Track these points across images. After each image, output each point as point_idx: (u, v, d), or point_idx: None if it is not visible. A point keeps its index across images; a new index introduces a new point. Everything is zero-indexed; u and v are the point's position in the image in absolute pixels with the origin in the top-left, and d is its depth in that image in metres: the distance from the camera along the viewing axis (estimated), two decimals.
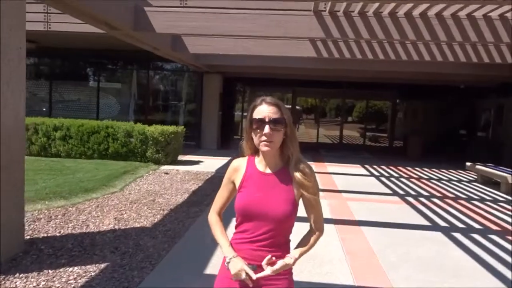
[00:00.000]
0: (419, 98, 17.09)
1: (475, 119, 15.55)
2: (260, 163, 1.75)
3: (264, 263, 1.63)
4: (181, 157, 11.04)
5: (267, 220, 1.65)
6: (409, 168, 11.37)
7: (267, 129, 1.62)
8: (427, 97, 16.68)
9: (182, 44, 8.67)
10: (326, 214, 6.11)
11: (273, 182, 1.70)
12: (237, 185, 1.76)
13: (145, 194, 6.78)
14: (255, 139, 1.69)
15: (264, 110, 1.65)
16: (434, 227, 5.76)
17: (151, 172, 8.78)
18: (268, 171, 1.72)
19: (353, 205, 6.71)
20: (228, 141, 14.95)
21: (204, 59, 10.89)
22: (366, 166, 11.41)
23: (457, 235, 5.35)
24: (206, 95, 13.95)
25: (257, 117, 1.65)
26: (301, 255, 1.72)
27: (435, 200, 7.45)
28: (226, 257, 1.70)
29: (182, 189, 7.35)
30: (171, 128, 9.96)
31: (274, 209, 1.65)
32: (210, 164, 10.39)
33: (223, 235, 1.78)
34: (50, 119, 10.41)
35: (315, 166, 10.98)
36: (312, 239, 1.77)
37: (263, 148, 1.65)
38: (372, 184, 8.83)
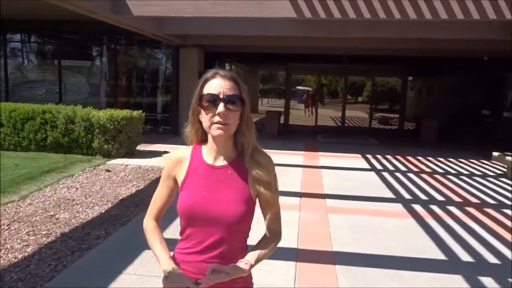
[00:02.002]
0: (434, 74, 14.86)
1: (501, 97, 13.27)
2: (208, 154, 1.40)
3: (208, 272, 1.30)
4: (144, 147, 9.21)
5: (218, 225, 1.34)
6: (420, 158, 9.30)
7: (221, 107, 1.28)
8: (444, 72, 14.41)
9: (125, 6, 6.73)
10: (293, 238, 4.19)
11: (224, 177, 1.37)
12: (179, 182, 1.42)
13: (50, 206, 4.95)
14: (205, 121, 1.33)
15: (218, 84, 1.32)
16: (456, 264, 3.80)
17: (88, 169, 6.95)
18: (219, 163, 1.39)
19: (335, 221, 4.77)
20: None
21: (168, 27, 8.93)
22: (368, 156, 9.39)
23: None
24: (183, 73, 11.96)
25: (209, 92, 1.31)
26: (258, 260, 1.38)
27: (452, 209, 5.45)
28: (164, 271, 1.36)
29: (110, 195, 5.51)
30: (122, 113, 8.07)
31: (226, 211, 1.34)
32: None
33: (162, 245, 1.43)
34: None
35: (303, 157, 9.02)
36: (269, 245, 1.43)
37: (215, 131, 1.31)
38: (371, 183, 6.85)
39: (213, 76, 1.34)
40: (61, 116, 8.01)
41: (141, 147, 9.16)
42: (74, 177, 6.40)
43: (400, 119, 14.42)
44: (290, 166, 7.85)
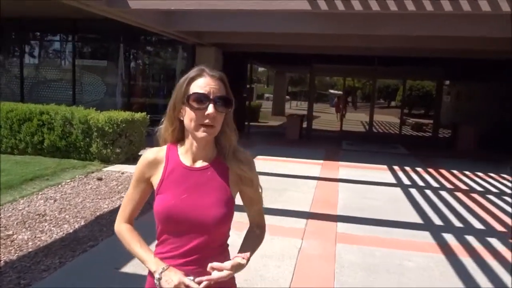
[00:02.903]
0: (473, 77, 13.51)
1: None
2: (186, 155, 1.33)
3: (210, 266, 1.22)
4: None
5: (198, 230, 1.27)
6: (455, 172, 8.16)
7: (211, 109, 1.22)
8: (485, 75, 13.06)
9: None
10: (284, 279, 3.34)
11: (203, 179, 1.30)
12: (154, 185, 1.33)
13: (14, 222, 4.31)
14: (190, 122, 1.25)
15: (206, 83, 1.25)
16: None
17: (78, 177, 6.33)
18: (198, 164, 1.32)
19: (344, 255, 3.86)
20: (238, 129, 12.31)
21: (177, 23, 8.26)
22: (395, 167, 8.35)
23: None
24: None
25: (197, 92, 1.23)
26: (253, 252, 1.35)
27: (494, 242, 4.41)
28: (154, 272, 1.25)
29: (89, 209, 4.84)
30: (123, 115, 7.45)
31: (206, 216, 1.27)
32: None
33: (144, 246, 1.34)
34: None
35: (321, 167, 8.10)
36: (257, 237, 1.42)
37: (201, 134, 1.25)
38: (395, 202, 5.87)
39: (200, 74, 1.26)
40: (58, 118, 7.47)
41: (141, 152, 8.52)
42: (59, 186, 5.79)
43: (434, 125, 13.17)
44: (303, 178, 6.97)
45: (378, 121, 21.67)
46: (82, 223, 4.39)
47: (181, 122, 1.30)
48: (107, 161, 7.44)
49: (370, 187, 6.64)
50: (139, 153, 8.19)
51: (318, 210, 5.26)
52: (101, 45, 12.95)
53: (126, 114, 7.50)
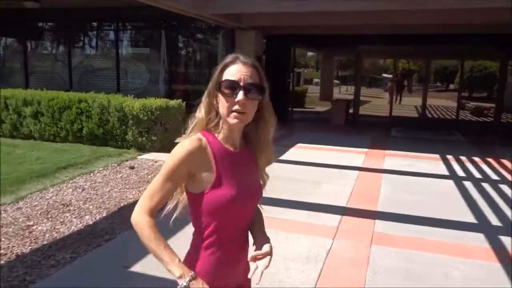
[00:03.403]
0: None
1: None
2: (225, 141, 1.29)
3: (252, 256, 1.26)
4: None
5: (248, 214, 1.33)
6: None
7: (241, 95, 1.21)
8: None
9: None
10: (309, 284, 2.96)
11: (244, 162, 1.32)
12: (202, 178, 1.23)
13: (38, 212, 4.26)
14: (223, 108, 1.24)
15: (238, 70, 1.24)
16: None
17: (111, 165, 6.28)
18: (235, 149, 1.31)
19: (379, 259, 3.40)
20: (280, 116, 11.93)
21: (213, 5, 7.98)
22: (449, 157, 7.58)
23: None
24: None
25: (228, 79, 1.23)
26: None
27: None
28: (179, 278, 1.17)
29: (114, 199, 4.72)
30: (157, 102, 7.31)
31: (257, 198, 1.35)
32: None
33: (167, 245, 1.21)
34: (21, 90, 8.44)
35: (366, 156, 7.53)
36: (261, 218, 1.43)
37: (232, 120, 1.24)
38: (445, 197, 5.24)
39: (233, 62, 1.26)
40: (95, 106, 7.49)
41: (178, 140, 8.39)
42: (91, 174, 5.75)
43: (496, 109, 11.96)
44: (344, 169, 6.48)
45: (434, 105, 20.28)
46: (104, 215, 4.26)
47: (216, 109, 1.28)
48: (142, 149, 7.37)
49: (417, 179, 6.01)
50: (176, 141, 8.07)
51: (355, 205, 4.79)
52: (144, 33, 13.00)
53: (160, 101, 7.36)
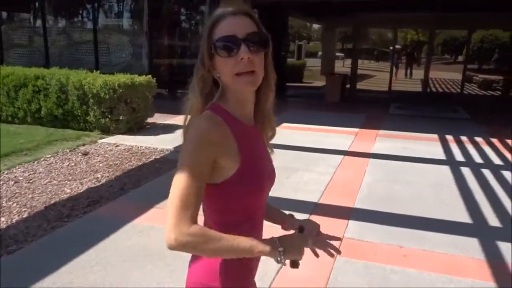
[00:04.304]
0: None
1: None
2: (238, 114, 1.07)
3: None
4: (165, 119, 7.77)
5: (265, 203, 1.19)
6: None
7: (244, 50, 0.98)
8: None
9: None
10: None
11: (258, 136, 1.16)
12: (227, 163, 1.02)
13: None
14: (226, 75, 1.02)
15: (231, 24, 1.00)
16: None
17: (61, 152, 5.57)
18: (248, 122, 1.11)
19: (341, 278, 2.68)
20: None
21: None
22: (448, 138, 6.77)
23: None
24: None
25: (223, 35, 1.00)
26: None
27: None
28: (273, 249, 1.01)
29: (46, 195, 4.04)
30: (120, 78, 6.54)
31: (274, 174, 1.20)
32: None
33: (233, 236, 0.99)
34: None
35: (355, 137, 6.75)
36: None
37: (241, 85, 1.02)
38: (438, 188, 4.47)
39: (222, 16, 1.02)
40: (53, 83, 6.74)
41: (160, 119, 7.71)
42: (35, 163, 5.07)
43: (505, 83, 11.00)
44: (327, 153, 5.72)
45: (441, 78, 19.25)
46: (25, 215, 3.59)
47: (217, 78, 1.05)
48: (107, 131, 6.66)
49: (408, 165, 5.24)
50: (147, 122, 7.36)
51: (329, 200, 4.06)
52: (126, 2, 12.10)
53: (124, 78, 6.59)
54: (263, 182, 1.10)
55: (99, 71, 7.15)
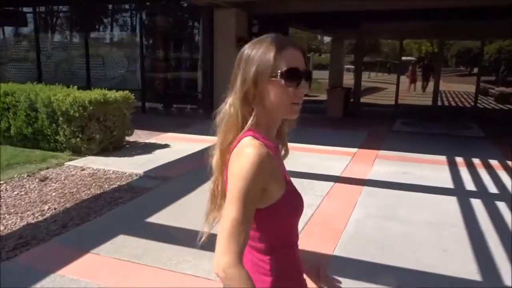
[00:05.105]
0: None
1: None
2: (269, 138, 1.11)
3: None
4: (148, 137, 7.27)
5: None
6: None
7: (305, 86, 1.08)
8: None
9: None
10: None
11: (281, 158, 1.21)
12: (274, 186, 1.05)
13: None
14: (278, 101, 1.06)
15: (297, 55, 1.07)
16: None
17: (17, 177, 4.99)
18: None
19: None
20: None
21: None
22: (458, 160, 5.99)
23: None
24: (219, 41, 9.54)
25: (293, 67, 1.05)
26: None
27: None
28: None
29: None
30: (92, 95, 5.98)
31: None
32: (174, 151, 6.40)
33: None
34: None
35: (353, 159, 6.03)
36: None
37: (293, 114, 1.10)
38: (440, 228, 3.72)
39: (287, 45, 1.06)
40: (22, 100, 6.22)
41: (144, 137, 7.19)
42: None
43: None
44: (317, 179, 5.02)
45: (454, 91, 18.39)
46: None
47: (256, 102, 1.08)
48: (78, 151, 6.08)
49: (407, 196, 4.50)
50: (128, 140, 6.81)
51: (305, 244, 3.32)
52: (118, 15, 11.70)
53: (95, 94, 6.03)
54: (301, 201, 1.14)
55: (76, 86, 6.61)
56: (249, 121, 1.07)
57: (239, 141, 1.05)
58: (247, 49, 1.08)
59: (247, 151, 1.00)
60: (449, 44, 17.32)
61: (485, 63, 12.76)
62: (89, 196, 4.38)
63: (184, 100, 11.12)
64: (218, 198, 1.13)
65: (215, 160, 1.09)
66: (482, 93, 14.40)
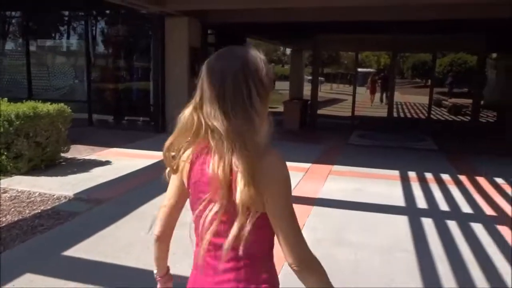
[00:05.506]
0: None
1: None
2: None
3: None
4: (90, 152, 6.74)
5: None
6: (503, 183, 5.56)
7: None
8: None
9: None
10: None
11: None
12: None
13: None
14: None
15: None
16: None
17: None
18: None
19: None
20: None
21: None
22: (411, 175, 5.85)
23: None
24: (170, 51, 9.11)
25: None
26: None
27: None
28: None
29: None
30: (21, 107, 5.42)
31: None
32: (115, 168, 5.89)
33: None
34: None
35: (305, 176, 5.75)
36: None
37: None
38: (390, 253, 3.48)
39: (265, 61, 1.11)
40: None
41: (85, 153, 6.67)
42: None
43: (474, 108, 10.34)
44: None
45: (410, 103, 18.80)
46: None
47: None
48: (4, 171, 5.46)
49: (359, 217, 4.24)
50: (65, 157, 6.25)
51: None
52: (63, 23, 11.05)
53: (25, 106, 5.46)
54: None
55: (6, 99, 5.99)
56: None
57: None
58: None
59: (283, 163, 1.08)
60: (404, 56, 17.64)
61: (438, 75, 13.03)
62: (2, 225, 3.84)
63: (136, 112, 10.57)
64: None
65: (221, 172, 1.02)
66: (436, 105, 14.72)
